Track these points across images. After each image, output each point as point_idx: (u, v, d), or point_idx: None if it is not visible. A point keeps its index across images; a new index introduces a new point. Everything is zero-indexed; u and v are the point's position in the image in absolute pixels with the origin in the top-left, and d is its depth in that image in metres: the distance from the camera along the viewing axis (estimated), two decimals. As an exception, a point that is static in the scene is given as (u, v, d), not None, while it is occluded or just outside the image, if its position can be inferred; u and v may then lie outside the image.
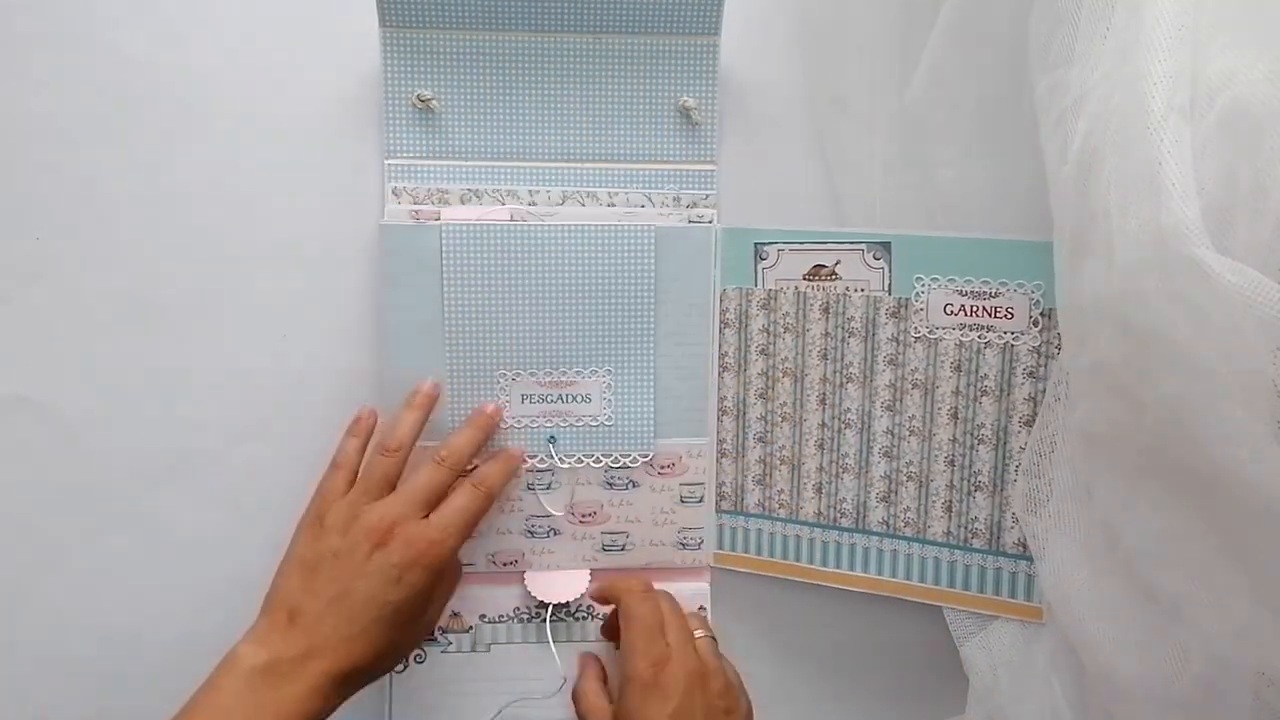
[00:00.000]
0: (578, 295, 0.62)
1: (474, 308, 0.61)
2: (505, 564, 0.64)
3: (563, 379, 0.63)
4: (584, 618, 0.65)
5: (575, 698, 0.62)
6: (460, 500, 0.57)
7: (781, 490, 0.64)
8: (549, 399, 0.63)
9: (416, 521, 0.55)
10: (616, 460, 0.64)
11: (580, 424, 0.63)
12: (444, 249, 0.61)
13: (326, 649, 0.52)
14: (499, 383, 0.62)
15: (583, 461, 0.64)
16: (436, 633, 0.64)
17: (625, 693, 0.55)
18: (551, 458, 0.63)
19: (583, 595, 0.64)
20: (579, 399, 0.63)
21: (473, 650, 0.65)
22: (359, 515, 0.55)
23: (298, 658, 0.51)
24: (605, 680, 0.63)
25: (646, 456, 0.64)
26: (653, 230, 0.62)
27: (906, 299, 0.60)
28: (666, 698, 0.54)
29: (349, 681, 0.53)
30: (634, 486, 0.64)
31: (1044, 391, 0.58)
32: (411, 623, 0.56)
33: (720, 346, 0.64)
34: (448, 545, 0.55)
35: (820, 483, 0.63)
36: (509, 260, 0.61)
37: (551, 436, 0.63)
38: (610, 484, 0.64)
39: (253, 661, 0.51)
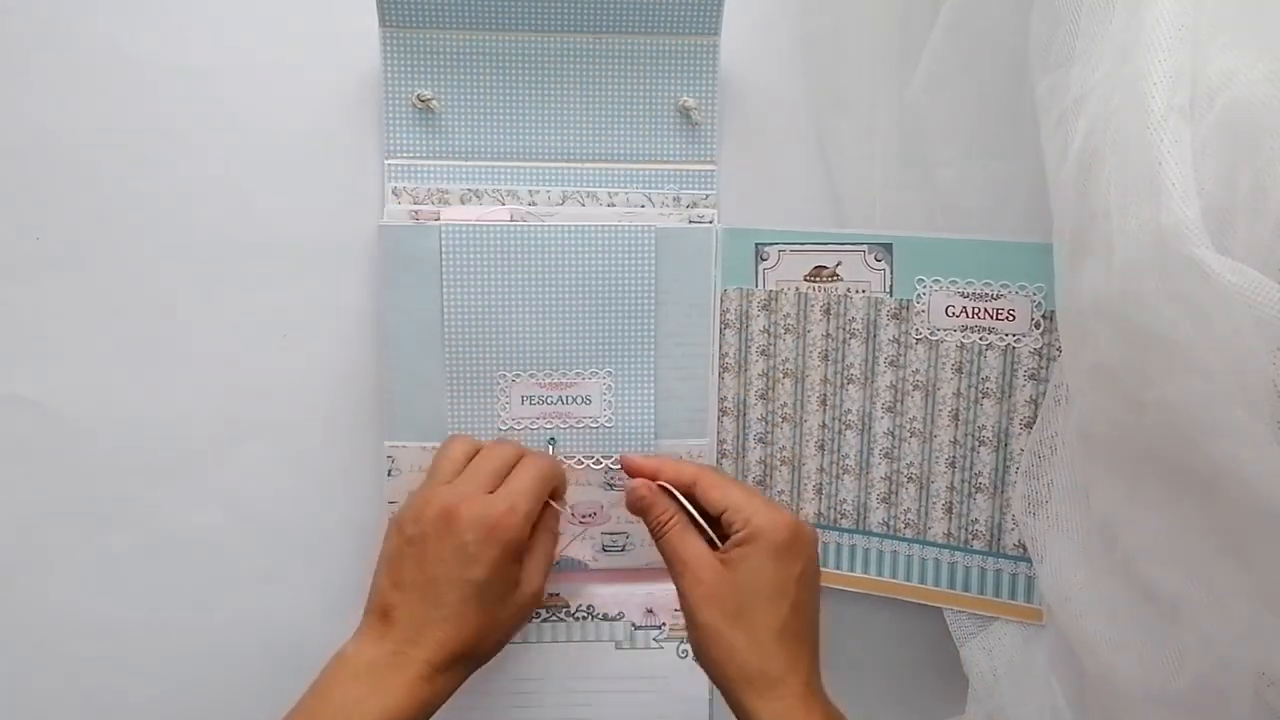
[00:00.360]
0: (578, 296, 0.62)
1: (474, 308, 0.61)
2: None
3: (563, 380, 0.63)
4: (583, 618, 0.65)
5: (666, 543, 0.55)
6: (524, 470, 0.57)
7: (782, 491, 0.64)
8: (549, 400, 0.63)
9: (482, 498, 0.54)
10: (617, 461, 0.64)
11: (580, 425, 0.63)
12: (443, 249, 0.61)
13: (421, 639, 0.52)
14: (499, 384, 0.62)
15: (583, 463, 0.63)
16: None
17: (750, 551, 0.52)
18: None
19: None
20: (579, 400, 0.63)
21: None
22: (428, 501, 0.55)
23: (397, 651, 0.52)
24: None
25: None
26: (653, 231, 0.62)
27: (908, 300, 0.60)
28: (795, 559, 0.52)
29: (454, 665, 0.53)
30: None
31: (1045, 394, 0.57)
32: (503, 598, 0.55)
33: (721, 347, 0.64)
34: (518, 514, 0.54)
35: (820, 484, 0.63)
36: (509, 261, 0.61)
37: (551, 438, 0.63)
38: (610, 485, 0.64)
39: (358, 660, 0.52)
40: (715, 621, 0.51)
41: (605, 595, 0.65)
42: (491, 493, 0.55)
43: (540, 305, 0.62)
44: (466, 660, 0.54)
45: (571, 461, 0.63)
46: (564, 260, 0.61)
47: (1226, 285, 0.37)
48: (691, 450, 0.64)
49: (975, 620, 0.62)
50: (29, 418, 0.63)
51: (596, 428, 0.63)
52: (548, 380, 0.63)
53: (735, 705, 0.51)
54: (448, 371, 0.62)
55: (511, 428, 0.63)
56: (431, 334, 0.61)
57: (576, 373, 0.63)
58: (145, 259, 0.63)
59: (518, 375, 0.62)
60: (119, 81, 0.62)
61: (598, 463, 0.63)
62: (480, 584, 0.53)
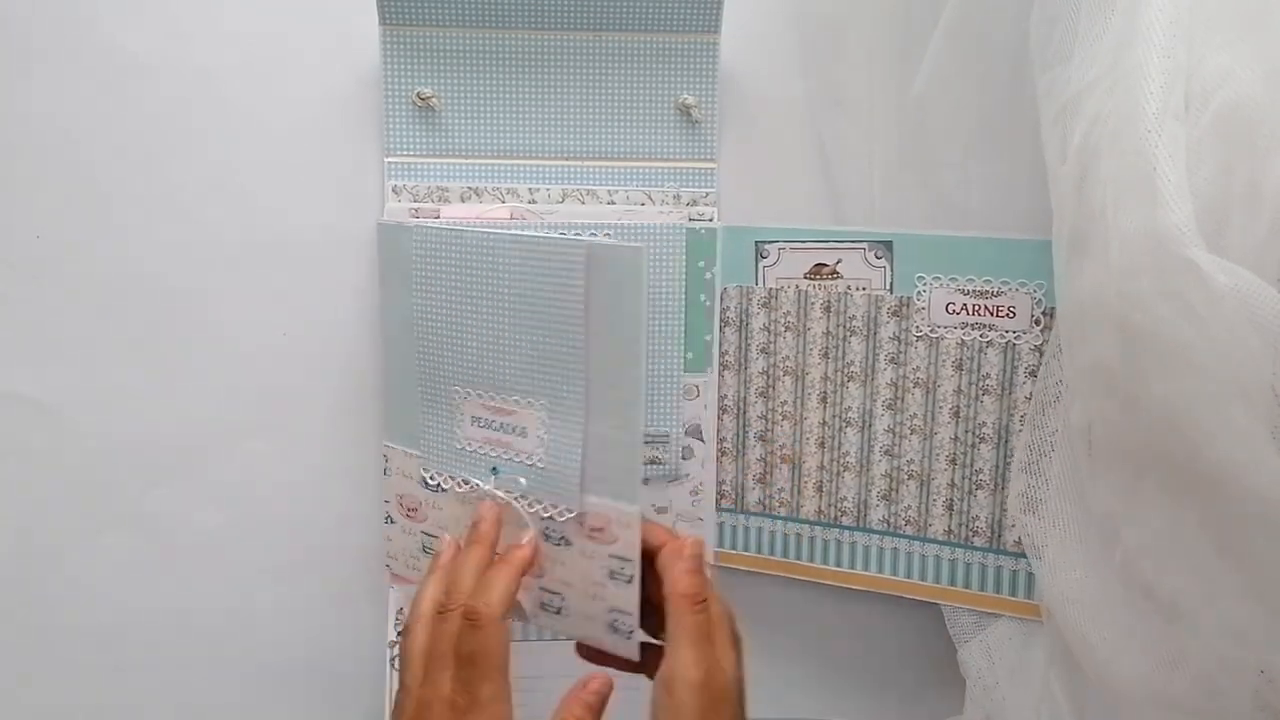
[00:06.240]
0: (515, 313, 0.53)
1: (434, 317, 0.55)
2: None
3: (502, 405, 0.54)
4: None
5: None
6: (496, 579, 0.50)
7: (782, 489, 0.64)
8: (493, 425, 0.55)
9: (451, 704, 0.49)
10: (546, 510, 0.53)
11: (519, 459, 0.54)
12: (415, 252, 0.55)
13: None
14: (453, 399, 0.56)
15: (521, 501, 0.54)
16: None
17: (675, 688, 0.50)
18: (489, 489, 0.54)
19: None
20: (516, 431, 0.54)
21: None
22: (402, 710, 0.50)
23: None
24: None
25: (572, 513, 0.52)
26: (583, 247, 0.50)
27: (908, 298, 0.60)
28: (716, 704, 0.51)
29: None
30: (567, 544, 0.53)
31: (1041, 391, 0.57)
32: None
33: (721, 345, 0.64)
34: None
35: (821, 481, 0.63)
36: (462, 269, 0.54)
37: (495, 468, 0.55)
38: (547, 535, 0.53)
39: None
40: None
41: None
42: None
43: (484, 320, 0.54)
44: None
45: (512, 498, 0.54)
46: (502, 272, 0.52)
47: (1220, 286, 0.37)
48: (621, 517, 0.51)
49: (974, 621, 0.61)
50: (29, 417, 0.63)
51: (531, 466, 0.53)
52: (491, 403, 0.54)
53: None
54: (419, 380, 0.57)
55: (465, 448, 0.56)
56: (410, 338, 0.57)
57: (515, 400, 0.54)
58: (145, 258, 0.63)
59: (468, 393, 0.55)
60: (119, 80, 0.62)
61: (531, 506, 0.53)
62: None
